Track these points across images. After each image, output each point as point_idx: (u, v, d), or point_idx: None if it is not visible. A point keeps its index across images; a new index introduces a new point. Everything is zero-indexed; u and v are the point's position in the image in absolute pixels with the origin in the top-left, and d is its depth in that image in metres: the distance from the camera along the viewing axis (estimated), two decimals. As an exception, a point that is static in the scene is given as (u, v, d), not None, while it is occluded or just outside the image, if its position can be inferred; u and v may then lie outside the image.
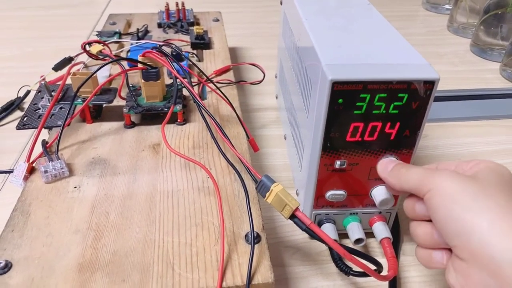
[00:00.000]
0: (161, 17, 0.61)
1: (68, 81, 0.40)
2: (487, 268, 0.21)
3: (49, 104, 0.41)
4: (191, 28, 0.59)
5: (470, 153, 0.48)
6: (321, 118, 0.29)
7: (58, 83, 0.53)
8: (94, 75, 0.38)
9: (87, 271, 0.25)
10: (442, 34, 0.81)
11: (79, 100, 0.38)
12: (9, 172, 0.37)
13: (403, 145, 0.31)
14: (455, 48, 0.76)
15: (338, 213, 0.35)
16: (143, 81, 0.38)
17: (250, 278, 0.25)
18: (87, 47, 0.43)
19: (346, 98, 0.28)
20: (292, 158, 0.43)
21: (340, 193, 0.33)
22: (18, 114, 0.53)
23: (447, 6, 0.91)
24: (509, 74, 0.65)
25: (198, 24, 0.63)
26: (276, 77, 0.56)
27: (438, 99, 0.58)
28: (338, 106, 0.28)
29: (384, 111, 0.29)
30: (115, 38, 0.55)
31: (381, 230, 0.34)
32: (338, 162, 0.31)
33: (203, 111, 0.34)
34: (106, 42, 0.50)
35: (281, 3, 0.49)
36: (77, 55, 0.55)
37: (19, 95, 0.55)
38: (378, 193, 0.33)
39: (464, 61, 0.71)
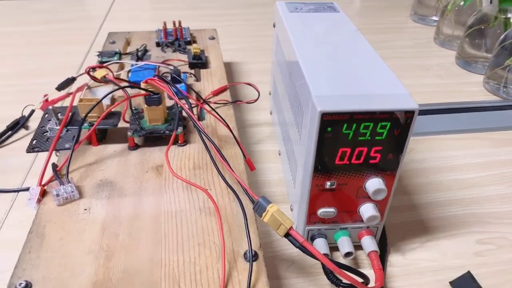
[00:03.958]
0: (159, 36, 0.64)
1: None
2: None
3: (56, 127, 0.44)
4: (188, 47, 0.62)
5: (453, 166, 0.51)
6: (312, 144, 0.32)
7: (60, 103, 0.56)
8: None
9: (100, 289, 0.28)
10: (428, 46, 0.85)
11: (86, 124, 0.41)
12: (25, 190, 0.39)
13: (388, 167, 0.34)
14: (441, 60, 0.79)
15: (329, 228, 0.38)
16: (146, 106, 0.41)
17: (249, 293, 0.28)
18: (91, 72, 0.45)
19: (334, 126, 0.31)
20: (286, 173, 0.46)
21: (331, 211, 0.36)
22: (23, 132, 0.55)
23: (435, 18, 0.95)
24: (492, 86, 0.68)
25: (194, 41, 0.65)
26: (270, 94, 0.59)
27: (423, 112, 0.61)
28: (327, 134, 0.31)
29: (369, 138, 0.32)
30: (115, 59, 0.57)
31: (369, 243, 0.37)
32: (328, 183, 0.34)
33: (203, 135, 0.36)
34: (107, 64, 0.53)
35: (274, 26, 0.52)
36: (79, 75, 0.58)
37: (23, 114, 0.57)
38: (366, 210, 0.35)
39: (449, 73, 0.74)
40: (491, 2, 0.70)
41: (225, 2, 1.08)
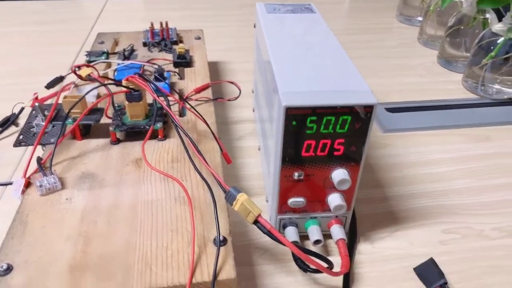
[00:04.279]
0: (146, 36, 0.66)
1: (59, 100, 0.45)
2: None
3: (42, 123, 0.46)
4: (174, 46, 0.64)
5: (427, 161, 0.53)
6: (279, 137, 0.34)
7: (50, 100, 0.58)
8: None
9: (77, 272, 0.30)
10: (412, 46, 0.87)
11: (70, 120, 0.43)
12: (9, 184, 0.41)
13: (351, 158, 0.36)
14: (424, 60, 0.81)
15: (300, 217, 0.40)
16: (127, 102, 0.43)
17: (216, 275, 0.30)
18: (77, 70, 0.47)
19: (298, 120, 0.33)
20: (264, 167, 0.48)
21: (300, 200, 0.38)
22: (13, 129, 0.57)
23: (419, 18, 0.97)
24: (470, 85, 0.70)
25: (181, 41, 0.67)
26: (253, 92, 0.61)
27: (401, 110, 0.63)
28: (292, 127, 0.33)
29: (332, 131, 0.34)
30: (103, 58, 0.59)
31: (337, 232, 0.39)
32: (296, 174, 0.36)
33: (180, 130, 0.38)
34: (94, 63, 0.55)
35: (254, 26, 0.54)
36: (67, 74, 0.60)
37: (14, 112, 0.59)
38: (333, 200, 0.37)
39: (431, 72, 0.76)
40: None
41: (218, 3, 1.10)
